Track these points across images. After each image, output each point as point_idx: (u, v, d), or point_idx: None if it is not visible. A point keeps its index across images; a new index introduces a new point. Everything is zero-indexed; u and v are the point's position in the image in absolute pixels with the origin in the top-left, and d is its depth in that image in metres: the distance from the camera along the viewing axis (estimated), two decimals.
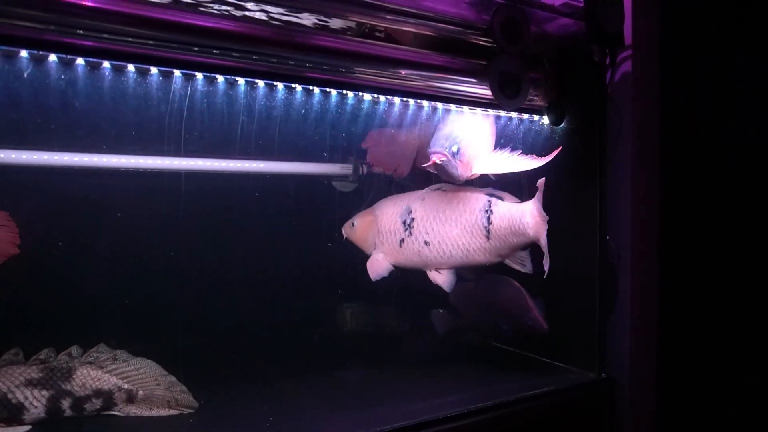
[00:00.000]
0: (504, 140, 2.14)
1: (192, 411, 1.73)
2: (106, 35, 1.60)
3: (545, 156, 1.94)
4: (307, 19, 1.73)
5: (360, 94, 2.06)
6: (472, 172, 1.94)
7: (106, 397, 1.67)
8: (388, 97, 1.98)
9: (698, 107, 2.25)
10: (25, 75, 1.74)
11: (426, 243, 2.01)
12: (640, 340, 2.27)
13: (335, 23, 1.75)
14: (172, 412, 1.72)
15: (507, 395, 1.93)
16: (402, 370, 2.23)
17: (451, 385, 2.08)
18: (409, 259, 2.04)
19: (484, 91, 1.97)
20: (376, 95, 2.02)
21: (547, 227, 1.87)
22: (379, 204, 2.16)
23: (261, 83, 1.99)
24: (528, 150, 1.95)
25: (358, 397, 1.95)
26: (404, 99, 2.07)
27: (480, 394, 1.94)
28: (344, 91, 2.06)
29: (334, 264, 2.39)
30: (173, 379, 1.77)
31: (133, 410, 1.70)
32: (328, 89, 2.05)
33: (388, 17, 1.77)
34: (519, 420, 1.93)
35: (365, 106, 2.09)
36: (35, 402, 1.59)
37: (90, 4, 1.46)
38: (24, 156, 1.97)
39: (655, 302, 2.32)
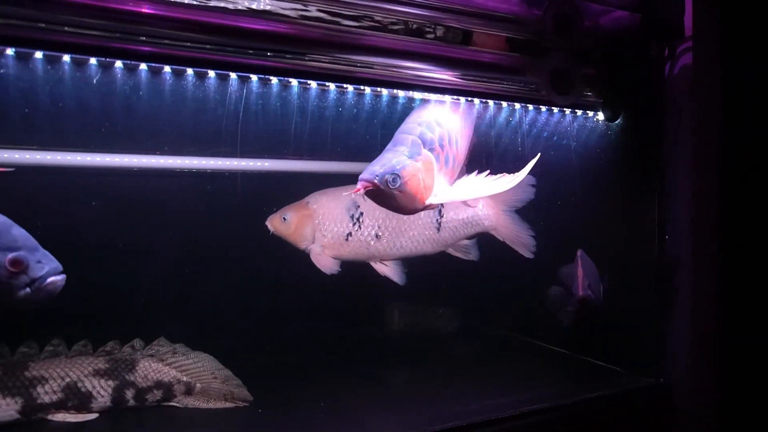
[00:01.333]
0: (557, 136, 2.11)
1: (247, 404, 1.78)
2: (167, 41, 1.67)
3: (519, 171, 1.88)
4: (355, 19, 1.74)
5: (410, 93, 2.09)
6: (425, 204, 1.70)
7: (166, 389, 1.74)
8: (438, 95, 1.99)
9: (763, 104, 2.16)
10: (94, 81, 1.83)
11: (377, 236, 2.01)
12: (701, 343, 2.19)
13: (382, 22, 1.75)
14: (228, 405, 1.77)
15: (558, 399, 1.89)
16: (450, 370, 2.22)
17: (501, 386, 2.06)
18: (356, 253, 2.04)
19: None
20: (426, 93, 2.03)
21: (508, 215, 1.86)
22: (314, 198, 2.10)
23: (313, 84, 2.03)
24: (581, 147, 1.92)
25: (407, 396, 1.96)
26: (455, 97, 2.08)
27: (531, 396, 1.91)
28: (395, 90, 2.09)
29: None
30: (229, 372, 1.82)
31: (191, 402, 1.76)
32: (378, 89, 2.08)
33: (436, 15, 1.77)
34: (571, 426, 1.90)
35: (415, 105, 2.10)
36: (102, 391, 1.67)
37: (148, 11, 1.51)
38: (96, 158, 2.09)
39: (717, 304, 2.23)
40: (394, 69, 1.85)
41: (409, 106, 2.14)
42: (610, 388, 2.02)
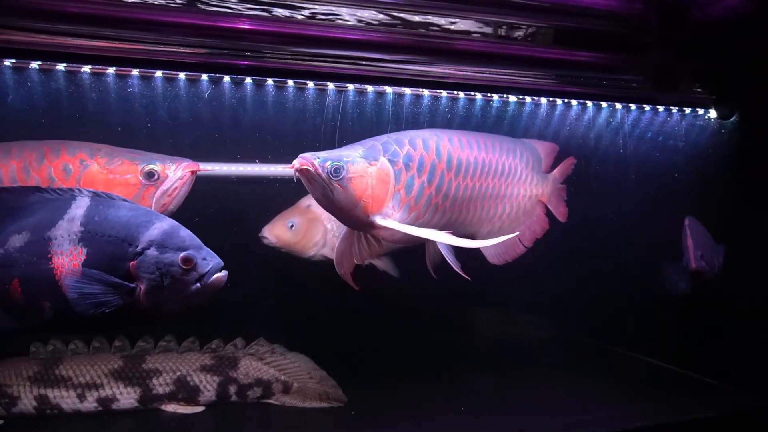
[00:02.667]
0: (663, 136, 1.99)
1: (341, 405, 1.83)
2: (269, 54, 1.76)
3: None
4: (441, 23, 1.74)
5: (505, 96, 2.06)
6: (369, 217, 1.53)
7: (266, 387, 1.82)
8: (533, 98, 1.95)
9: None
10: (206, 95, 1.97)
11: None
12: None
13: (469, 25, 1.74)
14: (324, 404, 1.82)
15: (662, 417, 1.77)
16: (539, 379, 2.15)
17: (592, 398, 1.96)
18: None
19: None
20: (521, 96, 1.99)
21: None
22: (310, 199, 1.96)
23: (408, 90, 2.06)
24: (690, 148, 1.79)
25: (495, 405, 1.92)
26: (552, 99, 2.02)
27: (627, 412, 1.80)
28: (488, 94, 2.06)
29: (473, 267, 2.37)
30: (324, 373, 1.88)
31: (289, 401, 1.83)
32: (472, 93, 2.07)
33: (527, 15, 1.73)
34: None
35: (510, 108, 2.07)
36: (208, 386, 1.78)
37: (246, 26, 1.60)
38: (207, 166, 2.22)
39: None
40: (484, 73, 1.83)
41: (503, 110, 2.11)
42: (722, 408, 1.86)
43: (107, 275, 1.24)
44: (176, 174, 1.62)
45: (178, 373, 1.76)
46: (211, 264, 1.30)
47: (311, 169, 1.45)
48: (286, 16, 1.62)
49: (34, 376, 1.68)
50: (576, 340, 2.37)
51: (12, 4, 1.52)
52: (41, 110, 1.80)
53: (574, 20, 1.72)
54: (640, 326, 2.29)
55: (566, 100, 1.95)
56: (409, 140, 1.62)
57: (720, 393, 2.02)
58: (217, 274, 1.31)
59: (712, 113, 1.99)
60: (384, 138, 1.61)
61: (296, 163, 1.45)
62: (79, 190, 1.36)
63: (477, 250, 1.83)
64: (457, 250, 1.68)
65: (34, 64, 1.75)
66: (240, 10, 1.57)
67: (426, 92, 2.06)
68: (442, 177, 1.65)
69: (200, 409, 1.77)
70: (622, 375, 2.22)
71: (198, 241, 1.31)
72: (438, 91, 2.05)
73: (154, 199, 1.61)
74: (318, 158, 1.46)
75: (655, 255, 2.03)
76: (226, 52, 1.77)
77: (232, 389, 1.80)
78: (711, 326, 2.03)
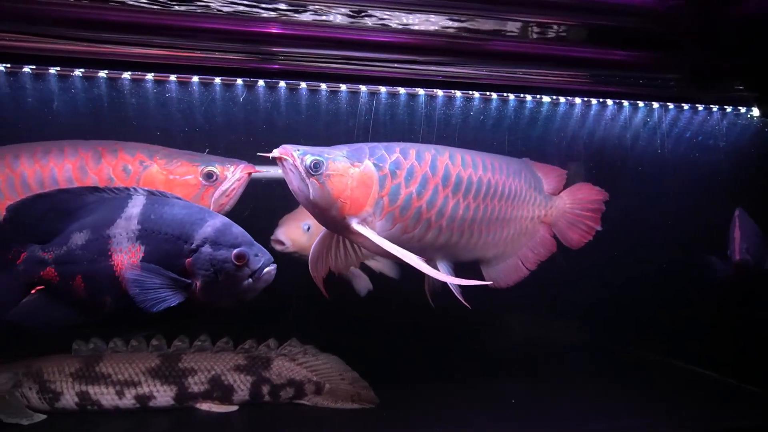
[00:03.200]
0: (702, 136, 1.93)
1: (372, 406, 1.84)
2: (300, 58, 1.79)
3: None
4: (478, 25, 1.72)
5: (538, 96, 2.03)
6: (344, 219, 1.49)
7: (298, 387, 1.84)
8: (567, 98, 1.92)
9: None
10: (240, 99, 2.00)
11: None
12: None
13: (501, 25, 1.71)
14: (355, 406, 1.83)
15: (700, 426, 1.73)
16: (570, 385, 2.11)
17: (628, 406, 1.91)
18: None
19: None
20: (554, 97, 1.97)
21: None
22: None
23: (440, 92, 2.05)
24: (731, 147, 1.73)
25: (525, 410, 1.90)
26: (586, 99, 1.99)
27: (665, 421, 1.76)
28: (521, 95, 2.04)
29: None
30: (356, 375, 1.89)
31: (321, 401, 1.84)
32: (505, 94, 2.05)
33: (560, 14, 1.70)
34: None
35: (544, 108, 2.05)
36: (242, 385, 1.81)
37: (277, 31, 1.62)
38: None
39: None
40: (516, 73, 1.82)
41: (537, 110, 2.09)
42: (765, 417, 1.79)
43: (166, 271, 1.28)
44: (234, 175, 1.65)
45: (213, 373, 1.80)
46: (262, 260, 1.32)
47: (290, 159, 1.43)
48: (315, 20, 1.63)
49: (76, 372, 1.74)
50: (610, 345, 2.31)
51: (60, 15, 1.58)
52: (85, 115, 1.85)
53: (608, 19, 1.68)
54: (676, 331, 2.22)
55: (601, 100, 1.91)
56: (401, 149, 1.59)
57: (762, 401, 1.96)
58: (268, 269, 1.33)
59: (755, 111, 1.92)
60: (376, 144, 1.58)
61: (276, 151, 1.44)
62: (134, 188, 1.39)
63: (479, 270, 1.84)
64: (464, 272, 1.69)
65: (78, 72, 1.81)
66: (271, 15, 1.59)
67: (458, 93, 2.05)
68: (435, 192, 1.59)
69: (234, 408, 1.80)
70: (658, 382, 2.16)
71: (249, 237, 1.34)
72: (470, 92, 2.04)
73: (213, 200, 1.65)
74: (299, 150, 1.44)
75: (692, 258, 1.97)
76: (259, 56, 1.81)
77: (265, 389, 1.82)
78: (753, 329, 1.95)
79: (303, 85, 1.97)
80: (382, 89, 2.02)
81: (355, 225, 1.47)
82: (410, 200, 1.55)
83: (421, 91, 2.04)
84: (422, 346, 2.17)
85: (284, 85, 1.96)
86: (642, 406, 1.93)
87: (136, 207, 1.34)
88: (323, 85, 1.99)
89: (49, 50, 1.72)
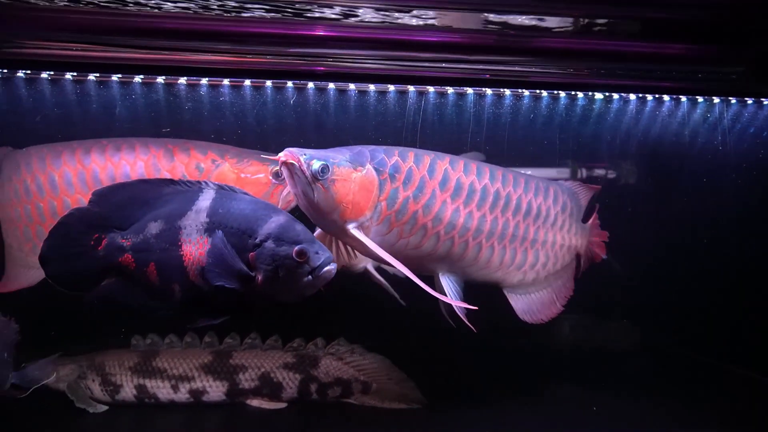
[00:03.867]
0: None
1: (420, 407, 1.83)
2: (347, 60, 1.80)
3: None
4: (524, 21, 1.69)
5: (590, 94, 1.98)
6: (345, 223, 1.48)
7: (345, 386, 1.86)
8: (620, 94, 1.86)
9: None
10: (291, 102, 2.04)
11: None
12: None
13: (549, 22, 1.67)
14: (403, 406, 1.83)
15: None
16: (626, 393, 2.02)
17: (686, 416, 1.83)
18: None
19: None
20: (607, 93, 1.91)
21: None
22: None
23: (489, 91, 2.02)
24: None
25: (575, 416, 1.84)
26: (641, 95, 1.92)
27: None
28: (572, 92, 1.99)
29: None
30: (404, 375, 1.89)
31: (368, 401, 1.86)
32: (555, 91, 2.00)
33: (611, 7, 1.64)
34: None
35: (596, 106, 1.99)
36: (290, 383, 1.85)
37: (323, 33, 1.64)
38: None
39: None
40: (566, 70, 1.77)
41: (589, 108, 2.03)
42: None
43: (234, 261, 1.33)
44: None
45: (263, 370, 1.84)
46: (322, 258, 1.35)
47: (297, 164, 1.43)
48: (360, 21, 1.64)
49: (134, 366, 1.81)
50: (667, 349, 2.21)
51: (118, 25, 1.65)
52: (144, 119, 1.93)
53: (663, 11, 1.61)
54: (739, 336, 2.11)
55: (657, 96, 1.84)
56: (400, 152, 1.56)
57: None
58: (327, 267, 1.36)
59: None
60: (375, 147, 1.56)
61: (282, 155, 1.44)
62: (205, 182, 1.45)
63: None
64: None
65: (138, 78, 1.88)
66: (318, 18, 1.61)
67: (507, 92, 2.02)
68: (433, 196, 1.55)
69: (283, 405, 1.83)
70: (720, 390, 2.06)
71: (311, 235, 1.38)
72: (519, 90, 2.01)
73: (281, 197, 1.71)
74: (305, 155, 1.43)
75: (757, 258, 1.87)
76: (306, 59, 1.83)
77: (313, 387, 1.85)
78: None
79: (351, 86, 1.99)
80: (431, 89, 2.01)
81: (352, 230, 1.47)
82: (407, 204, 1.53)
83: (469, 90, 2.02)
84: (470, 348, 2.15)
85: (333, 87, 1.98)
86: (704, 416, 1.85)
87: (206, 200, 1.40)
88: (371, 86, 1.99)
89: (112, 58, 1.80)
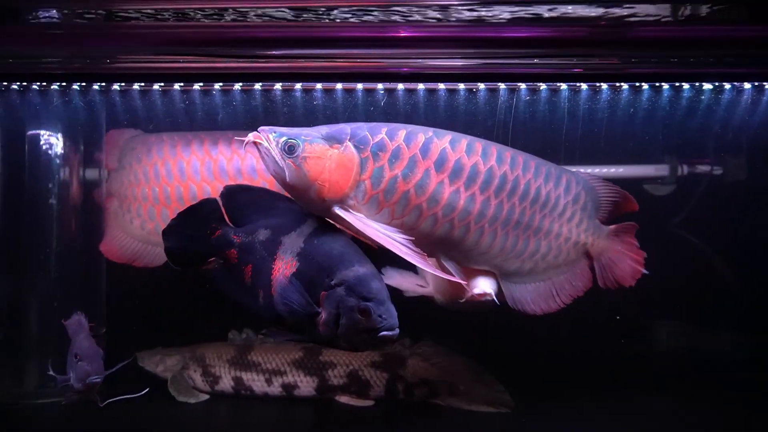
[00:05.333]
0: None
1: (508, 411, 1.79)
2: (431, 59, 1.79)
3: None
4: (619, 12, 1.59)
5: (698, 84, 1.84)
6: (324, 200, 1.43)
7: (432, 387, 1.86)
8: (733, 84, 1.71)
9: None
10: (381, 104, 2.06)
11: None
12: None
13: (646, 9, 1.56)
14: (490, 409, 1.80)
15: None
16: (729, 407, 1.87)
17: None
18: None
19: None
20: (717, 83, 1.76)
21: None
22: None
23: (583, 86, 1.94)
24: None
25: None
26: (757, 84, 1.75)
27: None
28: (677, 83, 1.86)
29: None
30: (492, 377, 1.86)
31: (454, 402, 1.84)
32: (657, 83, 1.88)
33: None
34: None
35: (704, 97, 1.84)
36: (378, 381, 1.87)
37: (407, 34, 1.64)
38: None
39: None
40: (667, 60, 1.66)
41: (696, 100, 1.89)
42: None
43: (304, 292, 1.38)
44: None
45: (351, 367, 1.88)
46: (384, 323, 1.34)
47: (263, 142, 1.41)
48: (441, 21, 1.62)
49: (231, 359, 1.92)
50: None
51: (218, 36, 1.75)
52: (242, 127, 2.03)
53: None
54: None
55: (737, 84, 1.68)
56: (389, 130, 1.48)
57: None
58: (385, 333, 1.34)
59: None
60: (360, 124, 1.50)
61: (251, 135, 1.42)
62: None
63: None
64: None
65: (237, 86, 1.98)
66: (403, 19, 1.62)
67: (604, 86, 1.92)
68: (426, 176, 1.47)
69: (370, 402, 1.86)
70: None
71: (385, 295, 1.37)
72: (618, 84, 1.90)
73: None
74: (275, 133, 1.40)
75: None
76: (391, 59, 1.84)
77: (400, 386, 1.87)
78: None
79: (441, 85, 1.97)
80: (522, 86, 1.96)
81: (337, 210, 1.43)
82: (395, 184, 1.46)
83: (563, 86, 1.94)
84: (562, 353, 2.07)
85: (422, 87, 1.98)
86: None
87: (309, 227, 1.47)
88: (461, 85, 1.97)
89: (213, 68, 1.91)
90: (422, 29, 1.66)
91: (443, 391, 1.85)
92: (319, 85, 1.97)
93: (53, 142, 1.99)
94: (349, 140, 1.44)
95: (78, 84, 1.92)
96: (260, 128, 1.44)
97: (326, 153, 1.41)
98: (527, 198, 1.59)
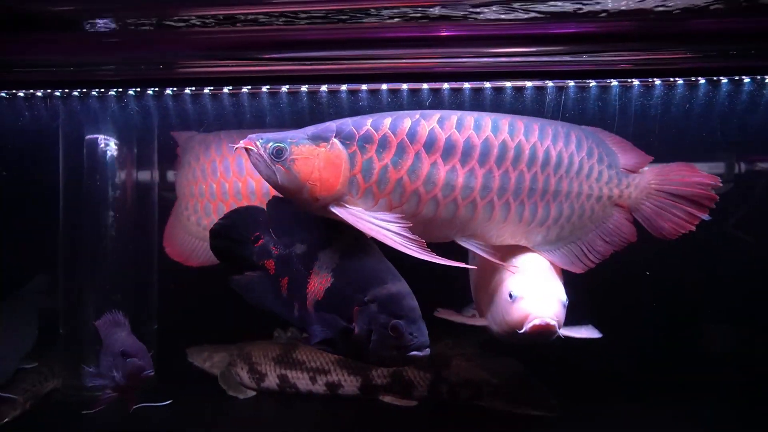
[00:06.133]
0: None
1: (553, 416, 1.75)
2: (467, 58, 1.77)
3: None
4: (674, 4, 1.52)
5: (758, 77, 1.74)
6: (317, 199, 1.42)
7: (475, 389, 1.84)
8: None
9: None
10: (427, 104, 2.06)
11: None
12: None
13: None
14: (534, 413, 1.77)
15: None
16: None
17: None
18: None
19: None
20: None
21: None
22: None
23: (636, 81, 1.87)
24: None
25: None
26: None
27: None
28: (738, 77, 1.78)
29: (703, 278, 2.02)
30: (537, 381, 1.83)
31: (498, 405, 1.82)
32: (715, 77, 1.80)
33: None
34: None
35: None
36: (421, 382, 1.87)
37: (445, 33, 1.62)
38: None
39: None
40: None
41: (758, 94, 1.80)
42: None
43: (335, 319, 1.40)
44: None
45: (395, 368, 1.87)
46: (415, 342, 1.34)
47: (254, 149, 1.42)
48: (485, 19, 1.60)
49: (277, 357, 1.95)
50: None
51: (280, 38, 1.77)
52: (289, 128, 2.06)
53: None
54: None
55: None
56: (374, 121, 1.47)
57: None
58: (416, 353, 1.34)
59: None
60: (346, 119, 1.49)
61: (242, 143, 1.43)
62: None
63: None
64: None
65: (284, 89, 2.02)
66: (439, 18, 1.60)
67: (658, 81, 1.85)
68: (418, 160, 1.45)
69: (413, 403, 1.86)
70: None
71: (417, 314, 1.37)
72: (672, 79, 1.83)
73: None
74: (261, 139, 1.42)
75: None
76: (438, 60, 1.83)
77: (443, 387, 1.86)
78: None
79: (487, 84, 1.95)
80: (571, 83, 1.91)
81: (333, 208, 1.43)
82: (386, 173, 1.45)
83: (614, 83, 1.88)
84: (610, 358, 2.00)
85: (468, 86, 1.96)
86: None
87: (343, 243, 1.48)
88: (507, 83, 1.94)
89: (260, 72, 1.95)
90: (465, 28, 1.65)
91: (487, 392, 1.83)
92: (363, 87, 1.99)
93: (110, 145, 2.08)
94: (335, 137, 1.45)
95: (133, 89, 2.00)
96: (249, 135, 1.46)
97: (314, 153, 1.43)
98: (535, 163, 1.54)
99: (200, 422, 1.82)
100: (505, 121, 1.56)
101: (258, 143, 1.43)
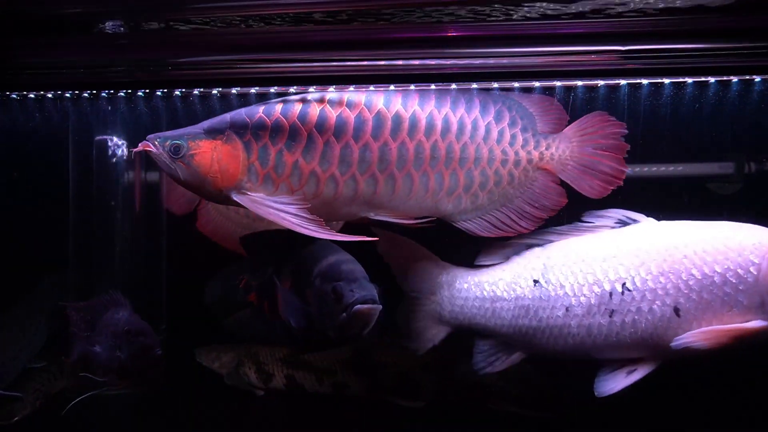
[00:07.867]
0: None
1: (563, 417, 1.75)
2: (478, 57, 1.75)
3: None
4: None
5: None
6: (221, 190, 1.46)
7: (483, 390, 1.82)
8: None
9: None
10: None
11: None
12: None
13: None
14: (543, 415, 1.77)
15: None
16: None
17: None
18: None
19: None
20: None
21: None
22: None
23: (666, 80, 1.83)
24: None
25: None
26: None
27: None
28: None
29: None
30: (547, 383, 1.82)
31: (508, 407, 1.80)
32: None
33: None
34: None
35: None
36: (428, 383, 1.86)
37: (454, 34, 1.61)
38: None
39: None
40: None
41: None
42: None
43: (296, 298, 1.46)
44: None
45: (401, 369, 1.87)
46: (356, 296, 1.33)
47: (153, 149, 1.46)
48: (494, 19, 1.59)
49: (284, 358, 1.96)
50: None
51: (300, 40, 1.76)
52: None
53: None
54: None
55: None
56: (266, 108, 1.50)
57: None
58: (359, 306, 1.33)
59: None
60: (240, 110, 1.53)
61: (140, 145, 1.47)
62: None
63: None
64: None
65: (292, 89, 2.01)
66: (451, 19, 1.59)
67: (689, 80, 1.81)
68: (311, 140, 1.47)
69: (420, 404, 1.85)
70: None
71: (357, 275, 1.38)
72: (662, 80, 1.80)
73: None
74: (159, 138, 1.46)
75: None
76: (450, 59, 1.81)
77: (451, 389, 1.85)
78: None
79: (495, 84, 1.93)
80: (601, 83, 1.86)
81: (235, 196, 1.46)
82: (282, 157, 1.47)
83: (645, 81, 1.83)
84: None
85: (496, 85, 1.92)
86: None
87: (301, 248, 1.54)
88: (536, 83, 1.87)
89: (267, 73, 1.95)
90: (470, 29, 1.64)
91: (495, 394, 1.82)
92: (391, 87, 1.96)
93: (119, 145, 2.09)
94: (230, 128, 1.49)
95: (142, 90, 2.01)
96: (148, 136, 1.50)
97: (210, 146, 1.46)
98: (434, 131, 1.52)
99: (209, 422, 1.83)
100: (398, 93, 1.57)
101: (156, 143, 1.47)
